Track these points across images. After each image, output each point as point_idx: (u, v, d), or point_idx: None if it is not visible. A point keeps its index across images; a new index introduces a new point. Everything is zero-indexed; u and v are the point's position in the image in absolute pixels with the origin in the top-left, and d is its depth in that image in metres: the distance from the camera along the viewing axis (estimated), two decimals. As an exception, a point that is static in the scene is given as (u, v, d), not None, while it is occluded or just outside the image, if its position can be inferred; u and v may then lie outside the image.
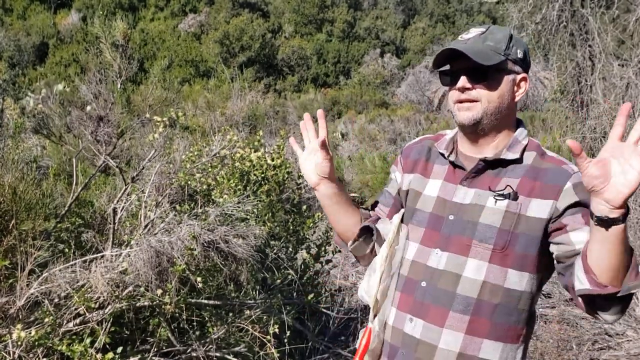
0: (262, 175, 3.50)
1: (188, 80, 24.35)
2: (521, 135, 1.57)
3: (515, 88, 1.55)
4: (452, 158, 1.60)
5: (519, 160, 1.53)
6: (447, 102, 1.69)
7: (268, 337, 2.78)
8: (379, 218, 1.75)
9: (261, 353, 2.83)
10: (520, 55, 1.53)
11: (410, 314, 1.53)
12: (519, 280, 1.49)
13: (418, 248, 1.58)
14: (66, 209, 2.72)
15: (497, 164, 1.54)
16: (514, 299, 1.49)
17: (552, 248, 1.48)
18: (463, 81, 1.49)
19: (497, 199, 1.49)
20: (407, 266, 1.58)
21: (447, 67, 1.56)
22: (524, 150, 1.54)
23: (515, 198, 1.48)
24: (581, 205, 1.45)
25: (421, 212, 1.60)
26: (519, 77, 1.54)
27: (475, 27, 1.55)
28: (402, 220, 1.67)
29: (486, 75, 1.49)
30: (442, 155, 1.63)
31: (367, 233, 1.71)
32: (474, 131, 1.54)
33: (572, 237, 1.42)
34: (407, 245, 1.61)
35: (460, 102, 1.51)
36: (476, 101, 1.50)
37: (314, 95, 24.06)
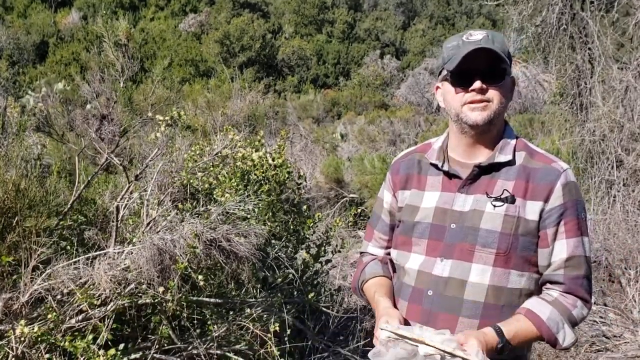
0: (263, 175, 3.51)
1: (188, 80, 24.32)
2: (510, 136, 1.60)
3: (512, 89, 1.59)
4: (445, 167, 1.61)
5: (511, 162, 1.55)
6: (446, 104, 1.71)
7: (269, 335, 2.80)
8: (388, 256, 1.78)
9: (262, 351, 2.84)
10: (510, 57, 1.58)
11: (420, 323, 1.55)
12: (519, 279, 1.53)
13: (423, 259, 1.59)
14: (69, 206, 2.74)
15: (491, 167, 1.56)
16: (515, 296, 1.53)
17: (537, 253, 1.55)
18: (480, 82, 1.50)
19: (495, 205, 1.51)
20: (413, 276, 1.60)
21: (447, 66, 1.56)
22: (514, 150, 1.57)
23: (513, 201, 1.51)
24: (567, 207, 1.51)
25: (421, 224, 1.61)
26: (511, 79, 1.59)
27: (474, 30, 1.57)
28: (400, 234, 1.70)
29: (502, 76, 1.52)
30: (434, 166, 1.64)
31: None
32: (484, 132, 1.55)
33: (552, 254, 1.53)
34: (411, 258, 1.63)
35: (473, 102, 1.52)
36: (489, 102, 1.51)
37: (313, 96, 24.04)
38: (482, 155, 1.58)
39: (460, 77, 1.52)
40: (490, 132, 1.57)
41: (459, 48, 1.51)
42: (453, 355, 1.32)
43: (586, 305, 1.54)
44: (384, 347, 1.39)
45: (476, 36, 1.52)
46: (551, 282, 1.54)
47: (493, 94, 1.51)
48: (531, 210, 1.51)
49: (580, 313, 1.52)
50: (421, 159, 1.69)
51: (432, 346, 1.34)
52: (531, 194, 1.51)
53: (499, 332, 1.42)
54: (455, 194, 1.58)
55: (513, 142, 1.59)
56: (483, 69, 1.50)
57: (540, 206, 1.50)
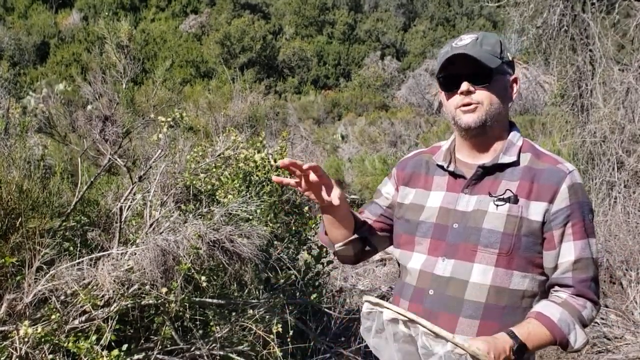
0: (265, 176, 3.52)
1: (189, 81, 24.35)
2: (515, 137, 1.61)
3: (509, 89, 1.60)
4: (451, 168, 1.62)
5: (515, 163, 1.56)
6: (444, 109, 1.76)
7: (271, 336, 2.80)
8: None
9: (264, 352, 2.85)
10: (510, 57, 1.59)
11: None
12: (521, 281, 1.52)
13: (425, 258, 1.59)
14: (71, 207, 2.74)
15: (495, 168, 1.56)
16: (518, 298, 1.52)
17: (543, 255, 1.54)
18: (466, 85, 1.52)
19: (497, 204, 1.51)
20: (415, 276, 1.60)
21: (436, 72, 1.60)
22: (519, 152, 1.58)
23: (516, 201, 1.51)
24: (573, 209, 1.50)
25: (425, 224, 1.62)
26: (511, 78, 1.60)
27: (466, 34, 1.59)
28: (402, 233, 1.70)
29: (490, 77, 1.53)
30: (441, 167, 1.65)
31: (359, 240, 1.75)
32: (479, 134, 1.56)
33: (560, 256, 1.52)
34: (413, 257, 1.63)
35: (463, 105, 1.54)
36: (478, 104, 1.53)
37: (314, 97, 24.09)
38: (487, 156, 1.59)
39: (448, 82, 1.56)
40: (488, 134, 1.58)
41: (447, 54, 1.55)
42: (430, 334, 1.32)
43: (595, 307, 1.53)
44: (366, 320, 1.46)
45: (464, 41, 1.54)
46: (560, 285, 1.54)
47: (482, 95, 1.53)
48: (535, 210, 1.50)
49: (590, 314, 1.52)
50: (429, 160, 1.71)
51: (404, 316, 1.35)
52: (536, 194, 1.51)
53: (512, 334, 1.41)
54: (459, 194, 1.59)
55: (519, 143, 1.59)
56: (468, 72, 1.52)
57: (545, 207, 1.50)
